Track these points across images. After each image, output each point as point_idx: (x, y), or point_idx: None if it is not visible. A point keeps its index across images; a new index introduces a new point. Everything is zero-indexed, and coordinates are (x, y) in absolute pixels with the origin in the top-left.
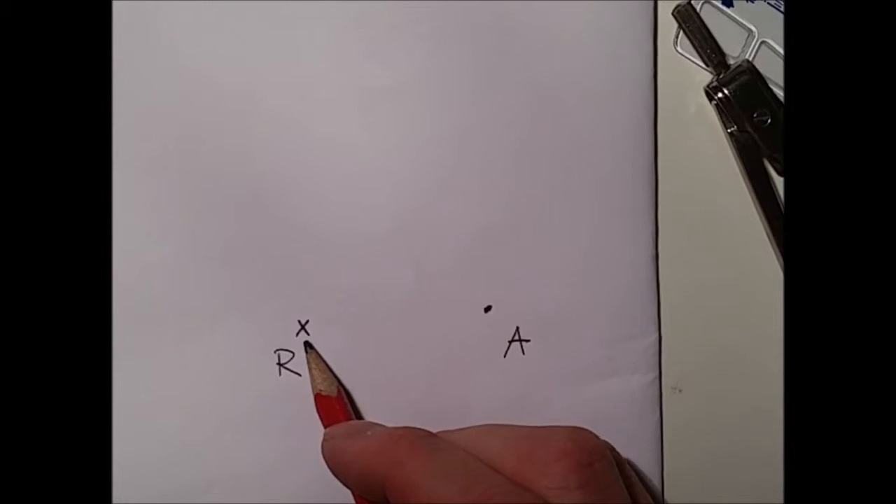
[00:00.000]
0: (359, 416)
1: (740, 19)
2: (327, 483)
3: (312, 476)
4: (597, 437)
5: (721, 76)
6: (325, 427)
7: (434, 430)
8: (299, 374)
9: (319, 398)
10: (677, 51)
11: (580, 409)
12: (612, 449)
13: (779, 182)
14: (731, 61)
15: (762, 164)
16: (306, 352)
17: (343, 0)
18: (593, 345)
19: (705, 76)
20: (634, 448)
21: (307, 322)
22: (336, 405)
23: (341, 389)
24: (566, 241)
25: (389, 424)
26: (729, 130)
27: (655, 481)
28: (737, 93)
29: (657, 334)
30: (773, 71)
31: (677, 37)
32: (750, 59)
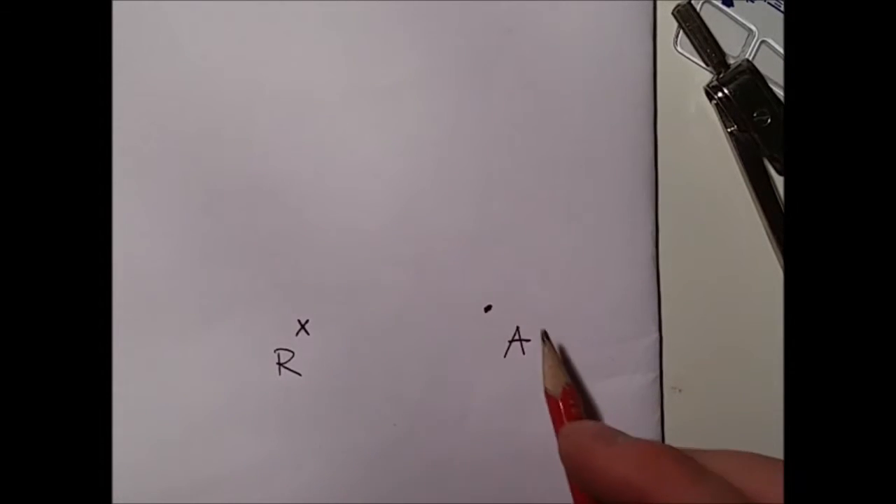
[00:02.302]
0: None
1: (740, 19)
2: (327, 483)
3: (312, 476)
4: None
5: (721, 76)
6: (557, 426)
7: (434, 430)
8: (299, 374)
9: (552, 397)
10: (677, 50)
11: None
12: None
13: (779, 182)
14: (731, 61)
15: (762, 164)
16: (542, 342)
17: (344, 0)
18: (593, 345)
19: (705, 76)
20: None
21: (307, 322)
22: (570, 401)
23: (571, 387)
24: (566, 241)
25: (390, 423)
26: (729, 130)
27: None
28: (737, 92)
29: (657, 334)
30: (773, 71)
31: (677, 36)
32: (750, 58)
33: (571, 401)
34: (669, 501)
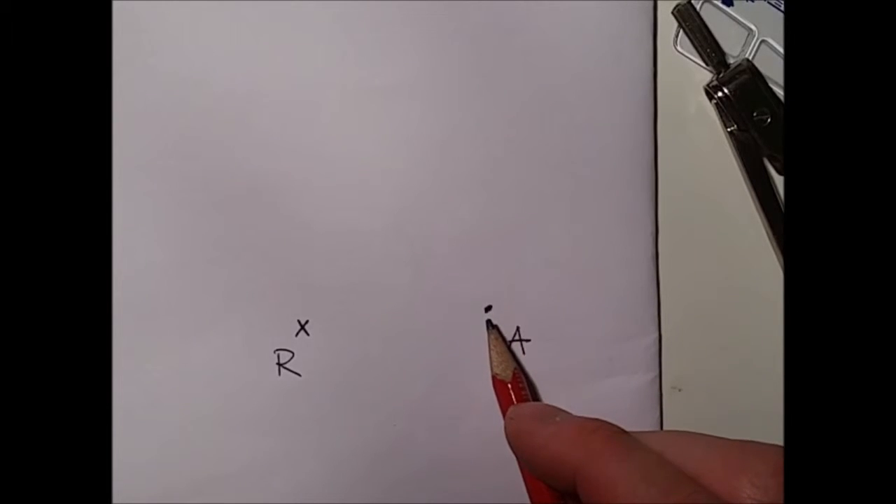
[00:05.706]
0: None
1: (740, 18)
2: (327, 483)
3: (312, 476)
4: None
5: (721, 75)
6: (505, 409)
7: (434, 430)
8: (299, 375)
9: (501, 381)
10: (677, 50)
11: (580, 409)
12: None
13: (779, 182)
14: (731, 60)
15: (762, 163)
16: (488, 331)
17: (343, 0)
18: (593, 345)
19: (705, 75)
20: None
21: (307, 322)
22: (519, 384)
23: (519, 371)
24: (566, 241)
25: (390, 423)
26: (729, 130)
27: None
28: (737, 92)
29: (657, 334)
30: (773, 70)
31: (677, 36)
32: (750, 58)
33: (520, 384)
34: (603, 474)
